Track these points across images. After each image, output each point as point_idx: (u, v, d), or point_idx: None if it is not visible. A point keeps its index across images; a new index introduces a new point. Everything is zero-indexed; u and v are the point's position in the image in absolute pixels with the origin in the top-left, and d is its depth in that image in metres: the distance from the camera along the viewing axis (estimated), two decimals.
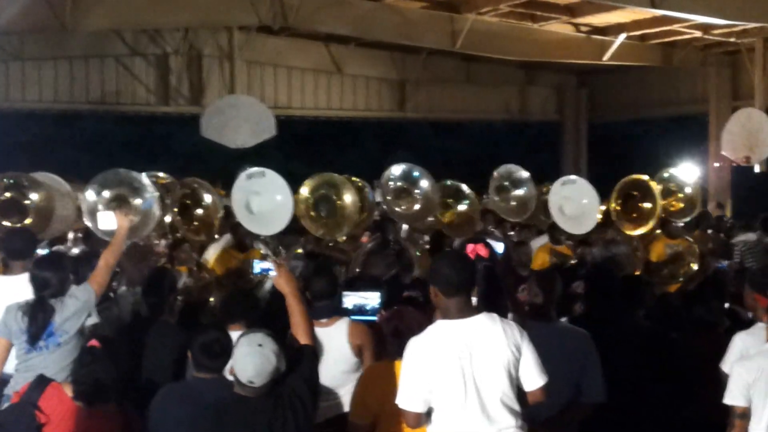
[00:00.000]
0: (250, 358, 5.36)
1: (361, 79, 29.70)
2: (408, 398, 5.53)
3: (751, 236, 15.67)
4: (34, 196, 11.32)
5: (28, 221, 10.95)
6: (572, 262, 13.26)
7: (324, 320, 7.48)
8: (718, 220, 18.44)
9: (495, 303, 5.93)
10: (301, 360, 5.81)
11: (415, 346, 5.58)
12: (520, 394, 5.55)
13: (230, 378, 5.81)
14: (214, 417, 5.47)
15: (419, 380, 5.49)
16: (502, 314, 5.77)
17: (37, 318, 7.30)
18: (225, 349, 6.35)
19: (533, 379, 5.55)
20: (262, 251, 12.17)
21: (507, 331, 5.50)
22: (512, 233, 15.30)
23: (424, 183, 13.62)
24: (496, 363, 5.44)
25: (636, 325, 7.62)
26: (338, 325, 7.49)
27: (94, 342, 6.34)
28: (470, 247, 7.16)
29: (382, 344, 6.78)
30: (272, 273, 6.16)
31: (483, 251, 7.13)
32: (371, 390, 6.33)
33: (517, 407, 5.49)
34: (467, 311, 5.54)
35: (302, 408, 5.53)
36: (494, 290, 6.66)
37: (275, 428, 5.40)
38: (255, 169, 12.01)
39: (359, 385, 6.56)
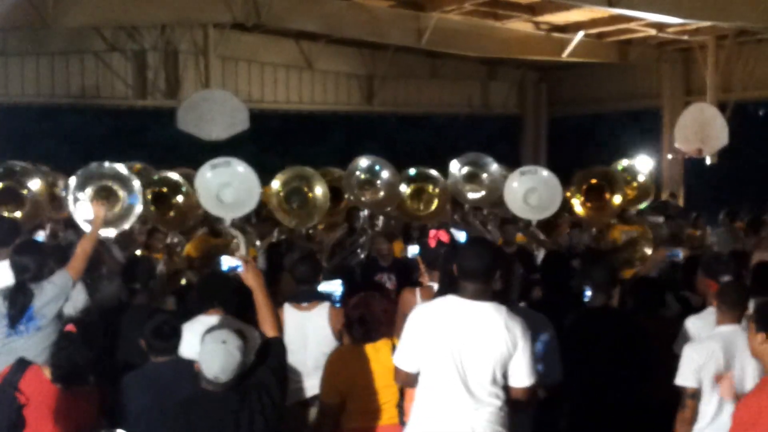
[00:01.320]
0: (214, 355, 5.32)
1: (331, 75, 29.69)
2: (403, 357, 5.65)
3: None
4: (31, 187, 11.30)
5: (23, 210, 10.94)
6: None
7: (305, 304, 7.48)
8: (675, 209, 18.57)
9: (453, 285, 5.91)
10: (268, 352, 5.80)
11: (420, 312, 5.70)
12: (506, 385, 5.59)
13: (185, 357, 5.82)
14: (182, 413, 5.43)
15: (415, 344, 5.58)
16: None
17: (17, 302, 7.25)
18: (175, 330, 6.37)
19: (520, 378, 5.58)
20: (232, 233, 12.17)
21: (509, 325, 5.52)
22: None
23: (386, 174, 13.68)
24: (487, 351, 5.48)
25: (593, 309, 7.64)
26: (319, 309, 7.48)
27: (70, 327, 6.32)
28: (432, 233, 7.17)
29: (348, 328, 6.77)
30: (240, 269, 6.15)
31: (444, 237, 7.14)
32: (339, 372, 6.40)
33: (499, 393, 5.53)
34: (479, 296, 5.57)
35: (269, 399, 5.49)
36: (453, 274, 6.66)
37: (242, 421, 5.37)
38: (219, 159, 11.96)
39: (327, 368, 6.59)
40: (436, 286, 6.37)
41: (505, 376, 5.56)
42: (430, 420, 5.55)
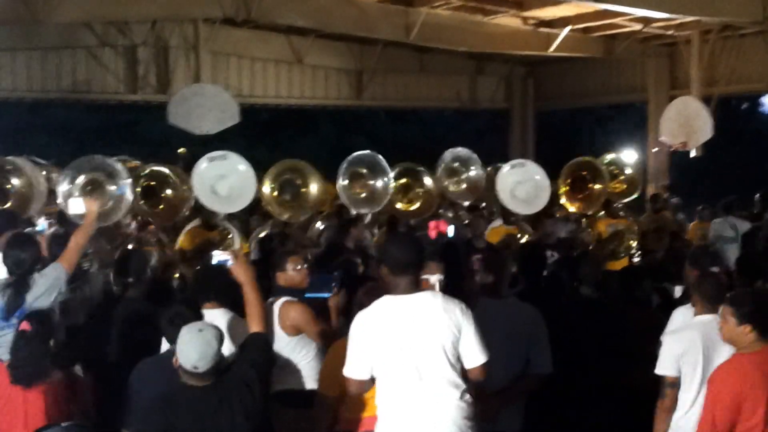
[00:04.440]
0: (191, 344, 5.30)
1: (321, 69, 29.57)
2: (352, 367, 5.62)
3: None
4: (15, 181, 11.25)
5: (8, 205, 10.90)
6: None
7: (271, 299, 7.34)
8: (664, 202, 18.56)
9: (457, 276, 5.90)
10: (250, 347, 5.79)
11: (361, 319, 5.65)
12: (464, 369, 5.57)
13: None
14: (162, 408, 5.40)
15: (363, 351, 5.57)
16: (463, 287, 5.77)
17: (19, 293, 7.24)
18: (188, 321, 6.31)
19: (473, 357, 5.55)
20: (227, 226, 12.13)
21: (448, 309, 5.51)
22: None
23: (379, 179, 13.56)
24: (433, 339, 5.47)
25: (578, 300, 7.66)
26: (275, 305, 7.27)
27: (24, 325, 6.24)
28: (432, 224, 7.15)
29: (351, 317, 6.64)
30: (230, 263, 6.14)
31: (444, 228, 7.11)
32: (340, 363, 6.28)
33: (457, 381, 5.51)
34: (413, 289, 5.57)
35: (250, 394, 5.48)
36: (456, 264, 6.62)
37: (221, 416, 5.35)
38: (216, 152, 11.89)
39: (328, 359, 6.54)
40: (432, 278, 6.29)
41: (459, 360, 5.54)
42: (395, 420, 5.54)
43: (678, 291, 9.28)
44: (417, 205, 14.12)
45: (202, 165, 11.83)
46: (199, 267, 8.51)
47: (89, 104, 29.27)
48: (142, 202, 12.08)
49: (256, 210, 14.16)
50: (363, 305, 6.30)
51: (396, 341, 5.46)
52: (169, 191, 12.42)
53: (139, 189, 11.94)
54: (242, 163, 12.01)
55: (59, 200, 10.58)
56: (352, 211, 13.55)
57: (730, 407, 5.57)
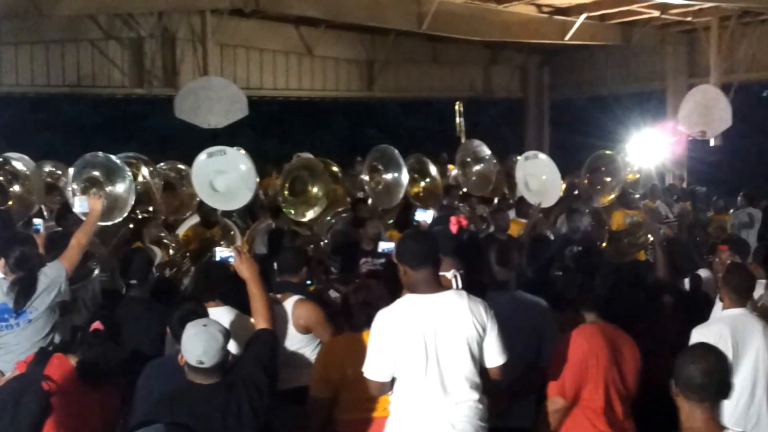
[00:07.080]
0: (196, 338, 5.32)
1: (331, 61, 29.57)
2: (373, 368, 5.59)
3: None
4: (16, 181, 11.28)
5: (9, 203, 10.94)
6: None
7: (279, 295, 7.35)
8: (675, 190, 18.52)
9: (479, 269, 5.90)
10: (257, 344, 5.79)
11: (382, 318, 5.61)
12: (482, 369, 5.57)
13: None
14: (168, 407, 5.40)
15: (385, 351, 5.54)
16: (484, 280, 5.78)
17: (29, 291, 7.25)
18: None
19: (494, 357, 5.59)
20: (228, 224, 12.14)
21: (473, 308, 5.53)
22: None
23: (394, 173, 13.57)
24: (459, 339, 5.47)
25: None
26: (287, 303, 7.27)
27: (97, 324, 6.27)
28: (453, 219, 7.17)
29: (348, 315, 6.67)
30: (232, 260, 6.15)
31: (465, 222, 7.15)
32: (333, 364, 6.30)
33: (477, 381, 5.55)
34: (435, 286, 5.58)
35: (257, 392, 5.48)
36: (479, 256, 6.62)
37: (229, 415, 5.36)
38: (215, 147, 11.89)
39: (319, 360, 6.53)
40: (448, 274, 6.28)
41: (480, 360, 5.56)
42: (409, 420, 5.54)
43: (685, 283, 9.27)
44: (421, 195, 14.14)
45: (201, 160, 11.84)
46: (201, 264, 8.52)
47: (94, 99, 29.35)
48: (160, 199, 12.14)
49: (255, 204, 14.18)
50: (353, 305, 6.35)
51: (420, 341, 5.46)
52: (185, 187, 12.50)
53: (161, 183, 12.02)
54: (241, 159, 12.03)
55: (69, 198, 10.60)
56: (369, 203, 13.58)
57: (579, 369, 5.74)
